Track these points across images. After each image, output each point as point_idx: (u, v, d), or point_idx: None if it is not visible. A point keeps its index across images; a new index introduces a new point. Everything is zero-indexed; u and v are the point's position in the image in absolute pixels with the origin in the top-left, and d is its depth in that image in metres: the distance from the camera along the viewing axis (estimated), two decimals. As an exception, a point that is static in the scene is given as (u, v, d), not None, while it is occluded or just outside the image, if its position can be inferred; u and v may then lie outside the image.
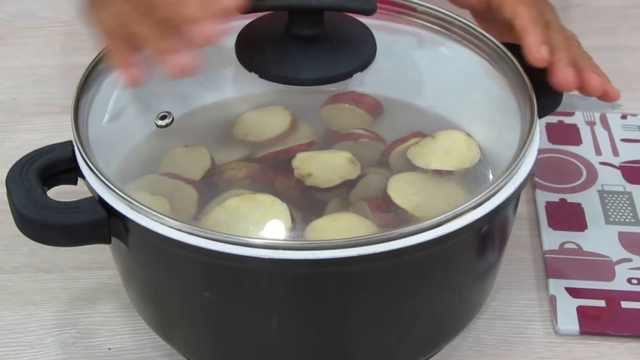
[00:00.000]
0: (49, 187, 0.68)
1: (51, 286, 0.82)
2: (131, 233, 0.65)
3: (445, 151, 0.70)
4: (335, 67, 0.71)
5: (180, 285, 0.67)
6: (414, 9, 0.79)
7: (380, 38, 0.73)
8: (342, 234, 0.65)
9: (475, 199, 0.64)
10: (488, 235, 0.68)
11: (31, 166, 0.68)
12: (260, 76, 0.71)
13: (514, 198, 0.67)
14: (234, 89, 0.77)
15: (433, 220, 0.62)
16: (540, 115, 0.73)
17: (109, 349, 0.77)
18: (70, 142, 0.69)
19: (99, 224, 0.65)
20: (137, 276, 0.71)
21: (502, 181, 0.65)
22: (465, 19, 0.78)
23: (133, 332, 0.78)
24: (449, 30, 0.78)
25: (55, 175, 0.69)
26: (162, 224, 0.63)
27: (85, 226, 0.65)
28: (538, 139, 0.69)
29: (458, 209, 0.63)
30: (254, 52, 0.72)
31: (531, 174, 0.68)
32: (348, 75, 0.71)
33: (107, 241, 0.67)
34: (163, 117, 0.73)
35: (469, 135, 0.71)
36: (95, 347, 0.77)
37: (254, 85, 0.74)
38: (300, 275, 0.63)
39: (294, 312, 0.66)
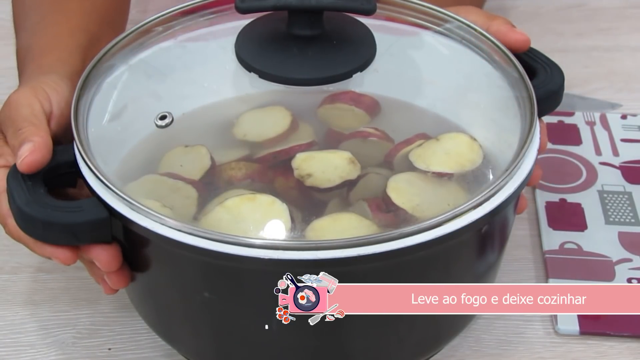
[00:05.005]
0: (50, 188, 0.68)
1: (51, 286, 0.82)
2: (131, 233, 0.65)
3: (446, 152, 0.70)
4: (335, 67, 0.71)
5: (181, 285, 0.67)
6: (414, 9, 0.79)
7: (380, 38, 0.73)
8: (342, 234, 0.65)
9: (475, 199, 0.64)
10: (488, 235, 0.68)
11: None
12: (260, 76, 0.71)
13: (514, 198, 0.67)
14: (233, 89, 0.77)
15: (433, 220, 0.62)
16: (540, 115, 0.73)
17: (109, 349, 0.77)
18: (72, 145, 0.69)
19: (101, 223, 0.65)
20: (137, 276, 0.71)
21: (502, 181, 0.65)
22: (466, 19, 0.77)
23: (133, 332, 0.78)
24: (449, 30, 0.78)
25: (56, 177, 0.69)
26: (162, 224, 0.63)
27: (87, 225, 0.65)
28: (538, 139, 0.69)
29: (458, 209, 0.63)
30: (253, 52, 0.72)
31: (531, 174, 0.68)
32: (348, 75, 0.71)
33: (108, 241, 0.67)
34: (163, 117, 0.73)
35: (473, 138, 0.71)
36: (95, 347, 0.77)
37: (254, 85, 0.74)
38: (300, 275, 0.63)
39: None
